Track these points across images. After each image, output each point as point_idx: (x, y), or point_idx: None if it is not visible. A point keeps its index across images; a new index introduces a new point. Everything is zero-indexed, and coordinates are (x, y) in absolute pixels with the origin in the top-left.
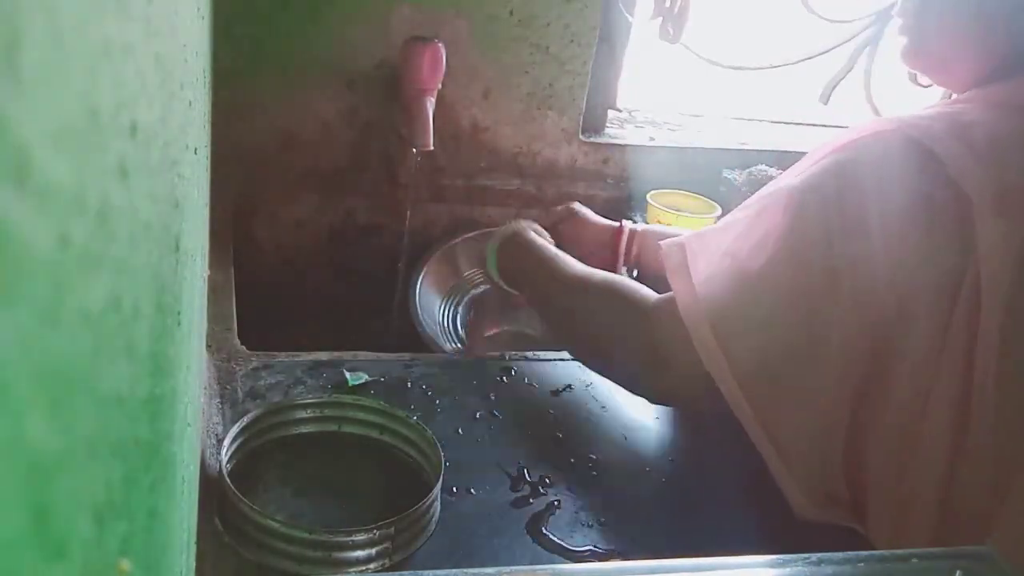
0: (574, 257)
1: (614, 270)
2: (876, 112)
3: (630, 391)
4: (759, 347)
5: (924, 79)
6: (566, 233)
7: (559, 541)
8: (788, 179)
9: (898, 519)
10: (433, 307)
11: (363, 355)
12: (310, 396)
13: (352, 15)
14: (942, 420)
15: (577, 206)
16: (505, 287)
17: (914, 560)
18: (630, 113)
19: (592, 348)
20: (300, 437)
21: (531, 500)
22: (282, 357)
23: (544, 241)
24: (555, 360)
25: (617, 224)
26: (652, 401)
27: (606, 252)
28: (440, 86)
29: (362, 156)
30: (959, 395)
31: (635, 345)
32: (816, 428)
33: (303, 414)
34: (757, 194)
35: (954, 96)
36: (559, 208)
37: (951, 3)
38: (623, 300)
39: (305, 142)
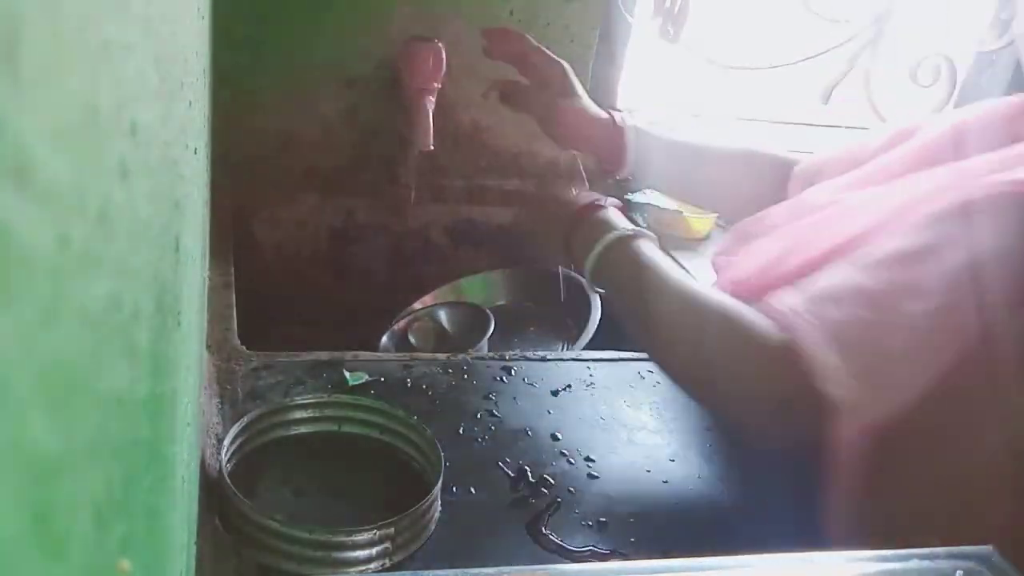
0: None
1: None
2: (876, 112)
3: (747, 438)
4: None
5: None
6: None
7: (559, 541)
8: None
9: None
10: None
11: (363, 355)
12: (310, 396)
13: (352, 15)
14: None
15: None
16: (594, 287)
17: (914, 560)
18: (630, 113)
19: (703, 381)
20: (300, 437)
21: (531, 500)
22: (282, 357)
23: (651, 246)
24: (555, 360)
25: (607, 116)
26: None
27: (605, 151)
28: (440, 86)
29: (362, 156)
30: None
31: (759, 393)
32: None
33: (303, 414)
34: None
35: None
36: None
37: None
38: (743, 332)
39: (305, 142)
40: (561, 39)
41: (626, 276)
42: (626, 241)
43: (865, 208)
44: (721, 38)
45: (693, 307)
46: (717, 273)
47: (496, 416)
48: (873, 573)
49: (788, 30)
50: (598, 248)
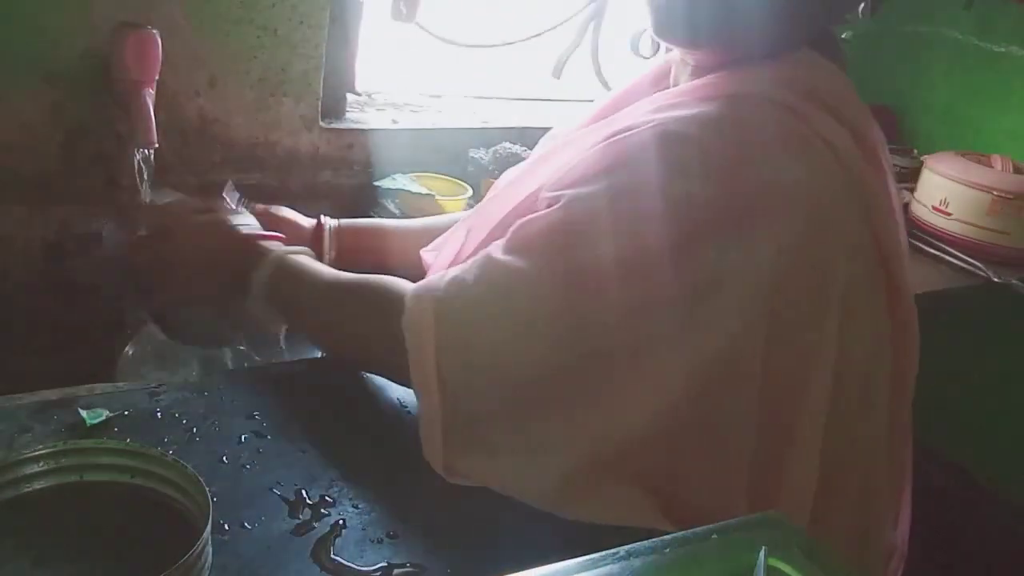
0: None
1: None
2: (604, 84)
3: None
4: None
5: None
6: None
7: (349, 564)
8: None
9: None
10: None
11: (100, 387)
12: (41, 445)
13: (45, 1)
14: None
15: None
16: (266, 320)
17: (714, 536)
18: (370, 96)
19: (348, 348)
20: (35, 495)
21: (314, 524)
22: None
23: (311, 259)
24: (323, 367)
25: (315, 222)
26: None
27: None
28: (158, 76)
29: (73, 159)
30: None
31: (382, 336)
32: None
33: (35, 467)
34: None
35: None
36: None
37: None
38: (374, 293)
39: (2, 146)
40: (290, 20)
41: (290, 290)
42: (287, 259)
43: (534, 173)
44: (455, 17)
45: (331, 295)
46: (427, 269)
47: (264, 436)
48: (680, 557)
49: (519, 7)
50: (264, 272)
